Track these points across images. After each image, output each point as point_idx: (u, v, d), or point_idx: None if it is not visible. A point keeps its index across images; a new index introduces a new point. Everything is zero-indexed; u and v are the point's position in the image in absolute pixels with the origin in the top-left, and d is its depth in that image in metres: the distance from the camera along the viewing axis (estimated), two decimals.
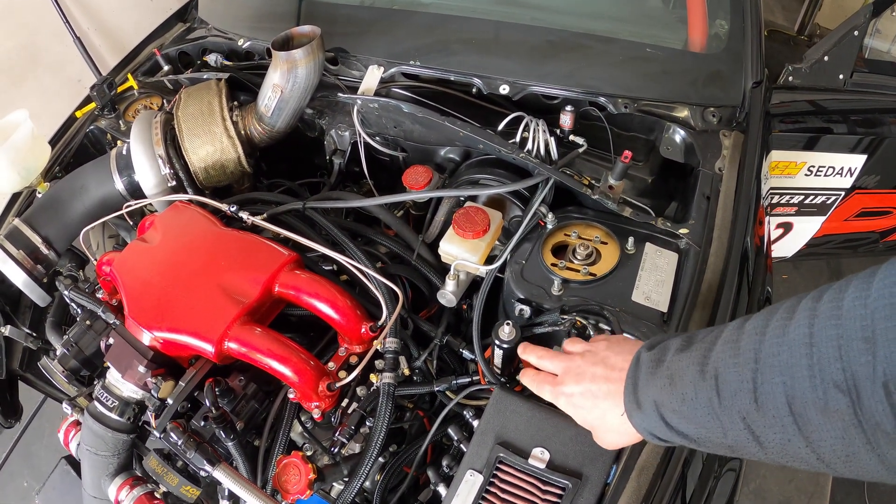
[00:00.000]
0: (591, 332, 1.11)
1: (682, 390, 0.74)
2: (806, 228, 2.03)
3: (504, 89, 1.52)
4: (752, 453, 0.71)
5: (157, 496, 1.28)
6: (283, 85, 1.51)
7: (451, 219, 1.32)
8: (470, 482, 1.02)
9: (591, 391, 0.91)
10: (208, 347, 1.20)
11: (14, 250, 1.52)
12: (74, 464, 1.55)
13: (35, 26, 3.73)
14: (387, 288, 1.28)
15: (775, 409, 0.64)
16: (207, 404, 1.17)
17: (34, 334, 1.70)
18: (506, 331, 1.10)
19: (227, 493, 1.26)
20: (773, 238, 2.07)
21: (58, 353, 1.39)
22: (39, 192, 1.76)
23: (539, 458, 1.02)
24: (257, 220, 1.42)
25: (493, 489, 1.01)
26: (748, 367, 0.67)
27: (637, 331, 1.11)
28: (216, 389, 1.18)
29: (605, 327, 1.12)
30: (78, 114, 1.98)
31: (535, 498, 0.99)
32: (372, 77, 1.57)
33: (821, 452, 0.63)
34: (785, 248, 2.15)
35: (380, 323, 1.26)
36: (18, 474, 2.75)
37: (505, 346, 1.10)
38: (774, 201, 1.88)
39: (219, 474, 1.14)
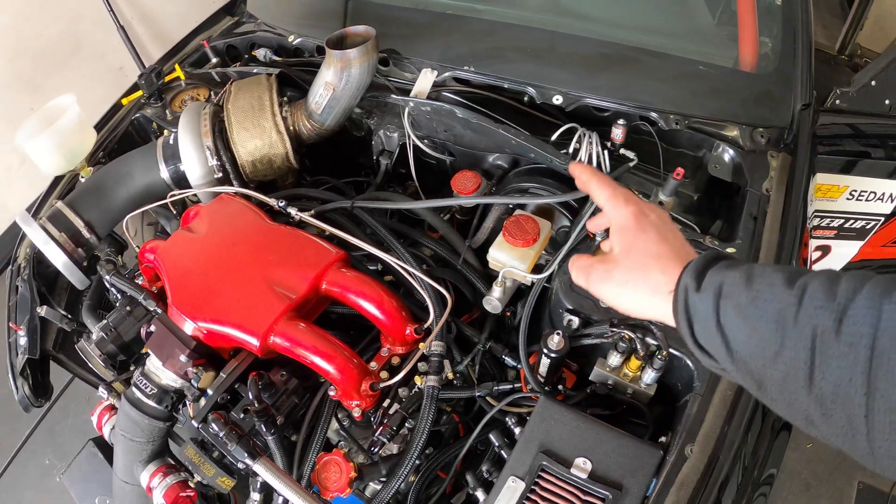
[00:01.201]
0: (639, 347, 1.12)
1: (758, 288, 0.68)
2: (844, 252, 2.03)
3: (557, 99, 1.53)
4: (792, 390, 0.64)
5: (191, 485, 1.30)
6: (336, 84, 1.53)
7: (500, 226, 1.34)
8: (512, 488, 1.04)
9: (649, 243, 0.83)
10: (253, 341, 1.21)
11: (56, 232, 1.54)
12: (102, 446, 1.58)
13: (79, 13, 3.76)
14: (434, 291, 1.29)
15: (855, 339, 0.58)
16: (250, 397, 1.18)
17: (69, 316, 1.73)
18: (555, 340, 1.12)
19: (259, 486, 1.28)
20: (812, 260, 2.08)
21: (95, 336, 1.40)
22: (83, 177, 1.79)
23: (581, 468, 1.04)
24: (305, 216, 1.44)
25: (534, 496, 1.03)
26: (843, 296, 0.61)
27: (684, 347, 1.12)
28: (259, 383, 1.20)
29: (652, 342, 1.13)
30: (124, 101, 2.01)
31: None
32: (425, 80, 1.59)
33: (872, 412, 0.57)
34: None
35: (425, 326, 1.28)
36: (41, 452, 2.79)
37: (553, 355, 1.12)
38: (815, 224, 1.88)
39: (259, 468, 1.15)
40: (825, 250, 2.02)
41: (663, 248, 0.82)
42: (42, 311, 1.67)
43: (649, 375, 1.13)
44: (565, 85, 1.55)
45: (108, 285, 1.52)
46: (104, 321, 1.41)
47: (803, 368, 0.61)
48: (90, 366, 1.62)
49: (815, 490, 2.40)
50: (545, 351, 1.13)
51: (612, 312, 1.19)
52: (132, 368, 1.49)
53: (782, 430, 1.29)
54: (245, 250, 1.36)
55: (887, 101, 1.62)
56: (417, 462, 1.26)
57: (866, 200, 1.81)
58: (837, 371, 0.59)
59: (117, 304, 1.44)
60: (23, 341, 1.66)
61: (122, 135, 1.94)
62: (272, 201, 1.46)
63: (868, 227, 1.92)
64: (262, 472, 1.14)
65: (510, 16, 1.80)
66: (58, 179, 1.90)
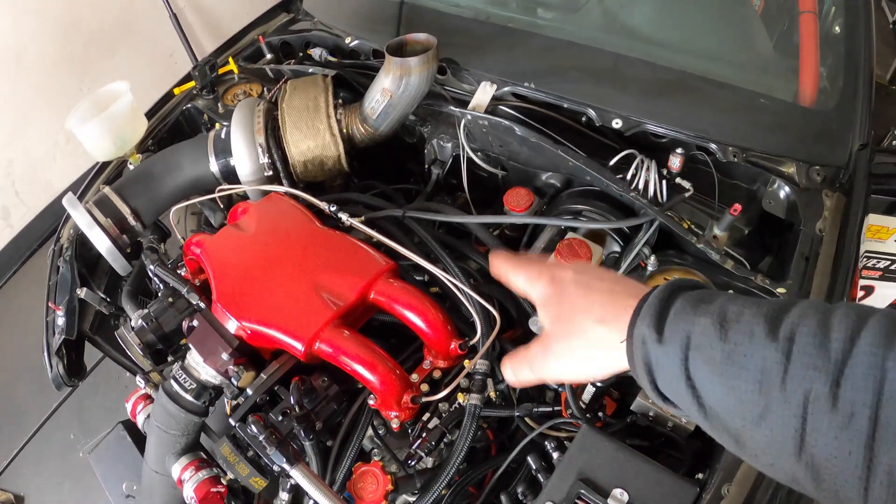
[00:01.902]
0: None
1: (735, 340, 0.59)
2: (887, 294, 2.02)
3: (617, 123, 1.53)
4: (777, 454, 0.57)
5: (222, 481, 1.31)
6: (394, 90, 1.54)
7: (550, 246, 1.34)
8: None
9: (574, 300, 0.76)
10: (298, 346, 1.22)
11: (102, 217, 1.56)
12: (131, 429, 1.61)
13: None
14: (482, 309, 1.30)
15: (855, 408, 0.51)
16: (292, 402, 1.19)
17: (108, 299, 1.76)
18: None
19: (289, 486, 1.29)
20: (857, 299, 2.07)
21: (135, 324, 1.42)
22: (131, 164, 1.83)
23: (618, 499, 1.04)
24: (356, 221, 1.45)
25: None
26: (838, 349, 0.53)
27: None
28: (301, 388, 1.20)
29: None
30: (176, 91, 2.05)
31: None
32: (484, 93, 1.60)
33: (872, 484, 0.51)
34: None
35: (470, 342, 1.28)
36: (66, 426, 2.86)
37: (600, 384, 1.12)
38: (862, 264, 1.87)
39: (296, 474, 1.15)
40: (868, 290, 2.01)
41: (592, 298, 0.75)
42: (81, 293, 1.70)
43: None
44: (626, 109, 1.55)
45: (150, 275, 1.53)
46: (145, 310, 1.42)
47: (793, 436, 0.55)
48: (127, 352, 1.65)
49: None
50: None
51: None
52: (169, 360, 1.51)
53: None
54: (294, 252, 1.37)
55: None
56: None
57: None
58: (834, 443, 0.52)
59: (159, 295, 1.46)
60: (60, 321, 1.69)
61: (173, 124, 1.98)
62: (323, 205, 1.46)
63: None
64: (300, 478, 1.15)
65: (573, 34, 1.81)
66: (104, 165, 1.93)
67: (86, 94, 3.69)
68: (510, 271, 0.87)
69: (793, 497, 1.18)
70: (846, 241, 1.37)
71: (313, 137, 1.59)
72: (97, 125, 1.71)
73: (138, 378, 1.49)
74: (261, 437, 1.15)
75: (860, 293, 2.02)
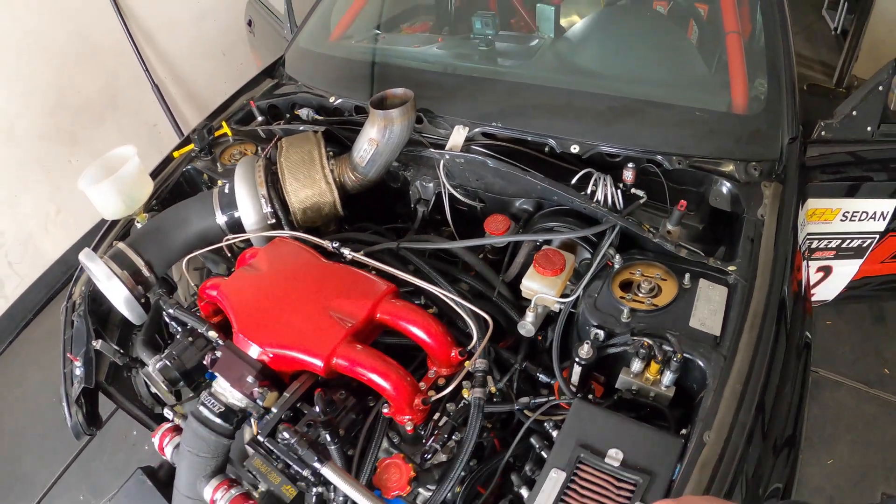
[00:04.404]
0: (657, 352, 1.34)
1: None
2: (845, 272, 2.25)
3: (575, 148, 1.81)
4: None
5: (255, 495, 1.44)
6: (379, 139, 1.78)
7: (529, 261, 1.58)
8: (554, 479, 1.24)
9: None
10: (318, 362, 1.42)
11: (118, 270, 1.69)
12: (150, 474, 1.70)
13: (116, 71, 4.09)
14: (476, 315, 1.52)
15: None
16: (317, 410, 1.34)
17: (121, 351, 1.88)
18: (585, 349, 1.35)
19: (314, 500, 1.42)
20: (814, 282, 2.30)
21: (158, 365, 1.55)
22: (138, 222, 2.00)
23: (614, 457, 1.25)
24: (357, 255, 1.67)
25: (573, 485, 1.23)
26: None
27: (695, 351, 1.35)
28: (324, 399, 1.37)
29: (668, 348, 1.35)
30: (175, 154, 2.26)
31: (610, 492, 1.21)
32: (458, 135, 1.87)
33: None
34: (826, 291, 2.37)
35: (469, 348, 1.50)
36: (75, 487, 2.95)
37: (584, 362, 1.34)
38: (814, 246, 2.11)
39: (327, 471, 1.31)
40: (827, 271, 2.24)
41: None
42: (97, 344, 1.82)
43: (668, 377, 1.35)
44: (581, 135, 1.83)
45: (168, 319, 1.68)
46: (167, 350, 1.58)
47: None
48: (139, 398, 1.84)
49: (840, 502, 2.56)
50: (577, 359, 1.36)
51: (633, 325, 1.41)
52: (191, 396, 1.68)
53: (802, 394, 1.52)
54: (305, 284, 1.58)
55: (868, 128, 1.86)
56: (463, 473, 1.41)
57: (859, 220, 2.04)
58: None
59: (177, 336, 1.62)
60: (78, 371, 1.81)
61: (174, 185, 2.18)
62: (326, 243, 1.69)
63: (865, 245, 2.14)
64: (330, 475, 1.31)
65: (530, 77, 2.10)
66: (112, 224, 2.11)
67: (76, 165, 3.95)
68: None
69: (773, 426, 1.38)
70: (783, 219, 1.62)
71: (311, 186, 1.82)
72: (109, 185, 1.85)
73: (166, 410, 1.65)
74: (293, 441, 1.33)
75: (818, 275, 2.25)
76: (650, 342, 1.35)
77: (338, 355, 1.42)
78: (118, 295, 1.71)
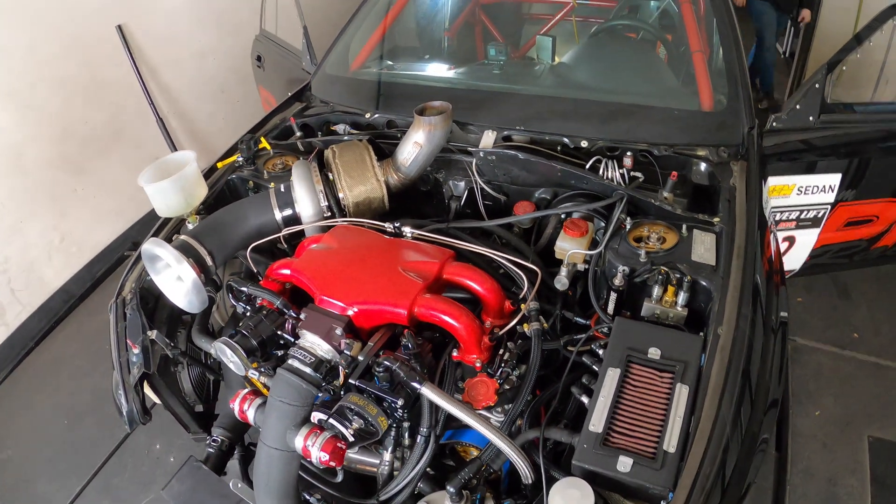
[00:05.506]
0: (672, 278, 1.73)
1: None
2: (806, 241, 2.71)
3: (584, 143, 2.29)
4: None
5: (348, 435, 1.52)
6: (423, 142, 2.13)
7: (555, 233, 1.98)
8: (612, 375, 1.55)
9: None
10: (402, 311, 1.64)
11: (184, 258, 1.80)
12: (203, 461, 1.81)
13: (122, 105, 4.26)
14: (524, 269, 1.88)
15: None
16: (410, 346, 1.56)
17: (172, 343, 2.00)
18: (618, 279, 1.76)
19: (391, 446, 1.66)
20: (783, 251, 2.75)
21: (235, 337, 1.67)
22: (189, 223, 2.14)
23: (654, 354, 1.60)
24: (417, 231, 1.97)
25: (628, 378, 1.55)
26: None
27: (699, 275, 1.74)
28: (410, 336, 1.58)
29: (679, 274, 1.74)
30: (219, 164, 2.48)
31: (657, 379, 1.56)
32: (488, 138, 2.30)
33: None
34: (793, 260, 2.84)
35: (520, 297, 1.83)
36: (97, 502, 3.03)
37: (619, 289, 1.74)
38: (778, 217, 2.57)
39: (425, 390, 1.52)
40: (791, 241, 2.70)
41: None
42: (153, 334, 1.92)
43: (682, 297, 1.73)
44: (587, 133, 2.31)
45: (234, 300, 1.82)
46: (245, 322, 1.70)
47: None
48: (182, 394, 2.02)
49: (832, 447, 2.92)
50: (611, 286, 1.75)
51: (650, 260, 1.80)
52: (261, 365, 1.76)
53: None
54: (377, 254, 1.81)
55: (811, 118, 2.36)
56: (529, 397, 1.64)
57: (812, 193, 2.52)
58: None
59: (248, 311, 1.79)
60: (135, 358, 1.91)
61: (218, 192, 2.39)
62: (387, 225, 1.99)
63: (820, 215, 2.61)
64: (428, 392, 1.52)
65: (541, 91, 2.65)
66: (165, 222, 2.24)
67: (81, 195, 4.14)
68: None
69: (770, 312, 1.78)
70: (750, 185, 2.09)
71: (364, 183, 2.13)
72: (171, 183, 1.99)
73: (251, 371, 1.73)
74: (394, 367, 1.52)
75: (785, 244, 2.70)
76: (666, 269, 1.75)
77: (418, 304, 1.65)
78: (187, 278, 1.81)
